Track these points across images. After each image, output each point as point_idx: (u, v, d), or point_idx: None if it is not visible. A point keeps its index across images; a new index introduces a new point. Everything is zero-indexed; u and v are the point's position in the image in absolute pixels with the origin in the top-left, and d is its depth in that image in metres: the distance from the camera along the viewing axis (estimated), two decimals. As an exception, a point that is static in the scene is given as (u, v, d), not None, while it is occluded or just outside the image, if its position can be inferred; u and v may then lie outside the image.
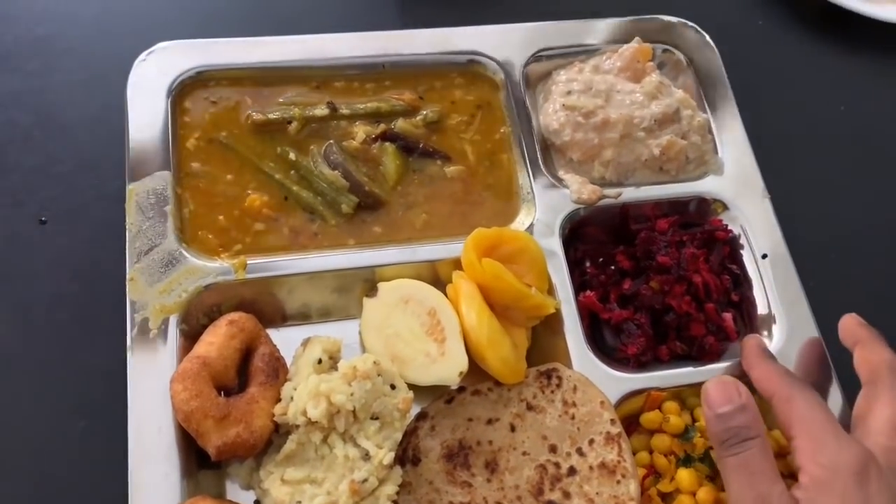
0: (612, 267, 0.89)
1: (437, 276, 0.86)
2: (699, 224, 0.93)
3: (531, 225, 0.89)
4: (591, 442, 0.77)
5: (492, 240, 0.82)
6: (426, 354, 0.79)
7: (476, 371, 0.80)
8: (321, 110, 0.93)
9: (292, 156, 0.90)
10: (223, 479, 0.76)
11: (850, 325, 0.78)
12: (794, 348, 0.85)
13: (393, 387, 0.74)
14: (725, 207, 0.94)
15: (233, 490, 0.76)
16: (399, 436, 0.73)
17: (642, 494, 0.77)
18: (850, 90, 1.12)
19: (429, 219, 0.90)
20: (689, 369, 0.84)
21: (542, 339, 0.85)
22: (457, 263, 0.83)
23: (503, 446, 0.77)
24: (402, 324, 0.82)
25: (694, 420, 0.81)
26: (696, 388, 0.82)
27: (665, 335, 0.86)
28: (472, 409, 0.79)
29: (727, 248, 0.91)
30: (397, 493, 0.73)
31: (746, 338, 0.82)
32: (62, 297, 0.84)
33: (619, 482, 0.74)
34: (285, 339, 0.81)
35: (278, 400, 0.74)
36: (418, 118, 0.96)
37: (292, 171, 0.90)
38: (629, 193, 0.93)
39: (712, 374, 0.82)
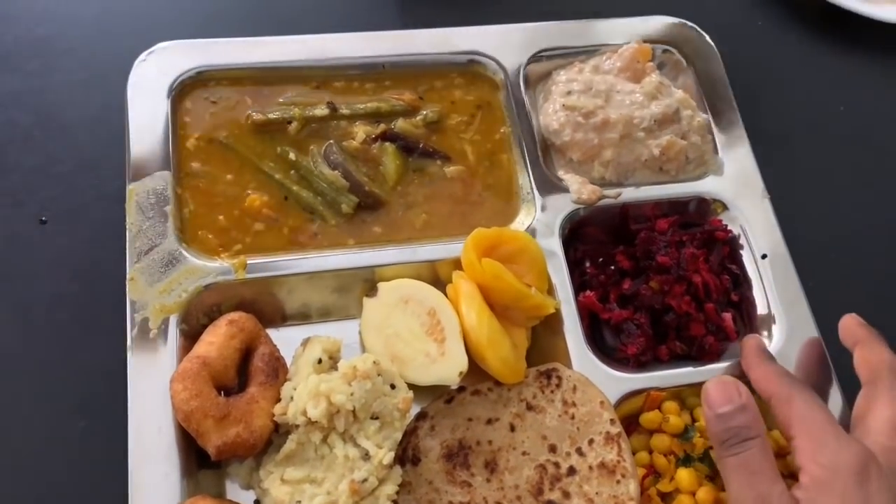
0: (612, 267, 0.89)
1: (436, 276, 0.86)
2: (699, 224, 0.93)
3: (531, 225, 0.89)
4: (591, 442, 0.77)
5: (492, 240, 0.82)
6: (426, 354, 0.79)
7: (476, 371, 0.80)
8: (321, 110, 0.93)
9: (292, 156, 0.90)
10: (223, 479, 0.76)
11: (850, 326, 0.78)
12: (794, 348, 0.85)
13: (393, 387, 0.74)
14: (725, 207, 0.94)
15: (233, 490, 0.76)
16: (399, 435, 0.73)
17: (642, 494, 0.77)
18: (850, 90, 1.13)
19: (429, 219, 0.90)
20: (689, 369, 0.84)
21: (542, 339, 0.85)
22: (457, 263, 0.83)
23: (503, 446, 0.77)
24: (402, 324, 0.82)
25: (693, 420, 0.81)
26: (696, 388, 0.82)
27: (665, 335, 0.86)
28: (471, 409, 0.79)
29: (727, 248, 0.92)
30: (397, 492, 0.73)
31: (746, 338, 0.82)
32: (62, 296, 0.85)
33: (618, 482, 0.75)
34: (285, 339, 0.81)
35: (278, 400, 0.74)
36: (418, 118, 0.96)
37: (292, 171, 0.90)
38: (629, 193, 0.93)
39: (712, 374, 0.82)
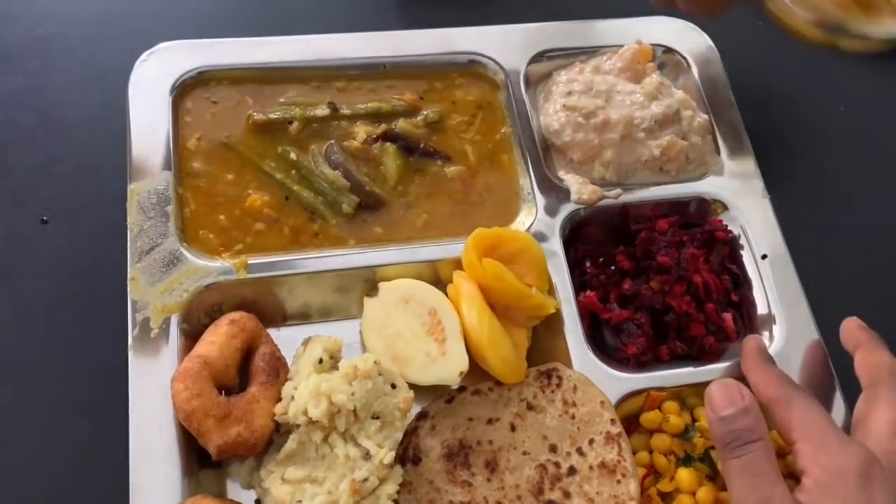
0: (613, 267, 0.89)
1: (437, 276, 0.86)
2: (699, 224, 0.93)
3: (531, 225, 0.89)
4: (591, 441, 0.77)
5: (492, 240, 0.82)
6: (427, 354, 0.80)
7: (476, 371, 0.80)
8: (322, 110, 0.94)
9: (293, 156, 0.90)
10: (224, 479, 0.76)
11: (851, 329, 0.78)
12: (794, 349, 0.85)
13: (394, 386, 0.74)
14: (725, 208, 0.94)
15: (233, 489, 0.76)
16: (400, 435, 0.74)
17: (642, 494, 0.77)
18: (851, 91, 1.13)
19: (429, 219, 0.90)
20: (689, 369, 0.84)
21: (543, 339, 0.85)
22: (457, 263, 0.83)
23: (503, 446, 0.77)
24: (403, 323, 0.82)
25: (694, 420, 0.81)
26: (696, 388, 0.83)
27: (665, 335, 0.86)
28: (472, 409, 0.79)
29: (727, 249, 0.92)
30: (398, 492, 0.73)
31: (746, 339, 0.82)
32: (63, 296, 0.85)
33: (619, 482, 0.75)
34: (286, 339, 0.81)
35: (279, 399, 0.74)
36: (419, 118, 0.96)
37: (293, 171, 0.90)
38: (629, 194, 0.93)
39: (712, 375, 0.83)
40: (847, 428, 0.76)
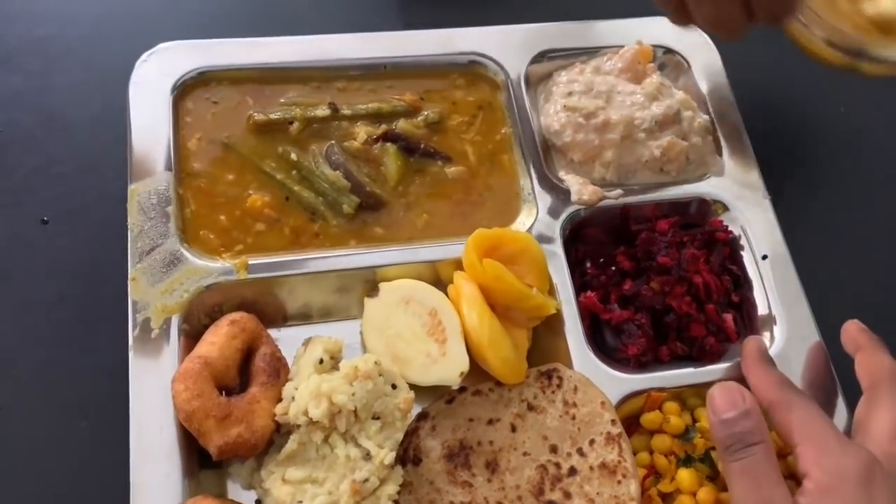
0: (613, 268, 0.89)
1: (438, 276, 0.86)
2: (699, 225, 0.93)
3: (532, 226, 0.89)
4: (592, 442, 0.77)
5: (493, 240, 0.82)
6: (427, 355, 0.80)
7: (477, 371, 0.80)
8: (322, 111, 0.94)
9: (294, 156, 0.91)
10: (224, 479, 0.76)
11: (852, 332, 0.78)
12: (795, 349, 0.85)
13: (394, 387, 0.74)
14: (726, 208, 0.94)
15: (234, 490, 0.76)
16: (400, 436, 0.74)
17: (643, 495, 0.77)
18: (851, 91, 1.12)
19: (430, 219, 0.90)
20: (690, 370, 0.84)
21: (543, 340, 0.85)
22: (458, 264, 0.83)
23: (504, 446, 0.77)
24: (404, 324, 0.82)
25: (694, 421, 0.81)
26: (697, 388, 0.83)
27: (665, 336, 0.86)
28: (472, 410, 0.79)
29: (727, 249, 0.92)
30: (398, 492, 0.73)
31: (746, 340, 0.82)
32: (64, 297, 0.85)
33: (619, 482, 0.75)
34: (287, 340, 0.81)
35: (279, 400, 0.74)
36: (419, 119, 0.96)
37: (294, 172, 0.90)
38: (630, 194, 0.93)
39: (713, 375, 0.83)
40: (848, 430, 0.76)
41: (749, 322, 0.89)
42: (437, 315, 0.81)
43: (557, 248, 0.88)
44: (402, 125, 0.95)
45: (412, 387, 0.76)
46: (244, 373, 0.77)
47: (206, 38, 0.96)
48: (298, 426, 0.72)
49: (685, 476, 0.77)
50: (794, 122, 1.09)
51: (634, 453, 0.78)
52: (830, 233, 1.00)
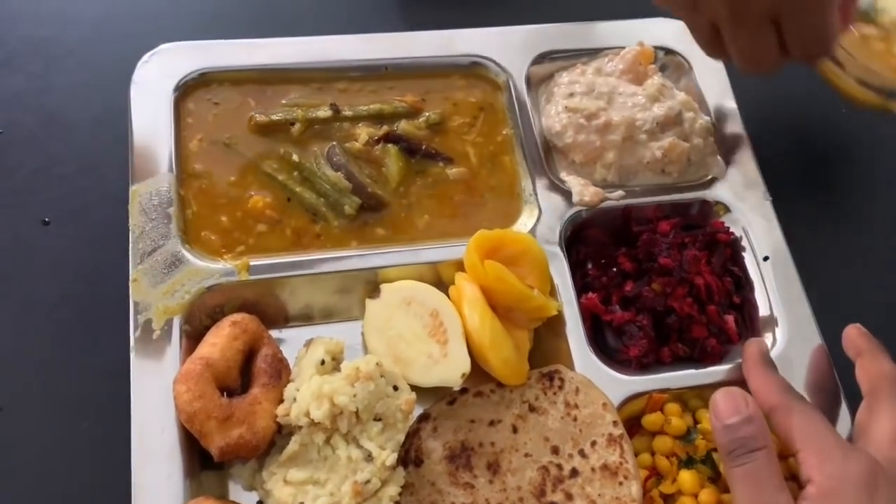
0: (614, 269, 0.89)
1: (439, 277, 0.86)
2: (701, 226, 0.93)
3: (533, 227, 0.89)
4: (594, 443, 0.77)
5: (494, 242, 0.82)
6: (429, 356, 0.80)
7: (478, 372, 0.80)
8: (324, 112, 0.94)
9: (295, 157, 0.90)
10: (226, 480, 0.76)
11: (853, 336, 0.78)
12: (796, 350, 0.85)
13: (396, 388, 0.74)
14: (727, 209, 0.94)
15: (235, 491, 0.76)
16: (402, 437, 0.74)
17: (644, 496, 0.77)
18: (852, 92, 1.13)
19: (431, 220, 0.90)
20: (691, 371, 0.84)
21: (545, 341, 0.85)
22: (459, 265, 0.83)
23: (505, 448, 0.77)
24: (405, 325, 0.82)
25: (696, 422, 0.81)
26: (698, 390, 0.83)
27: (667, 337, 0.86)
28: (474, 411, 0.79)
29: (729, 251, 0.92)
30: (400, 494, 0.73)
31: (748, 343, 0.82)
32: (65, 298, 0.84)
33: (621, 484, 0.75)
34: (288, 341, 0.82)
35: (281, 401, 0.74)
36: (421, 120, 0.96)
37: (295, 173, 0.90)
38: (631, 196, 0.93)
39: (714, 377, 0.83)
40: (850, 432, 0.76)
41: (750, 323, 0.89)
42: (439, 316, 0.81)
43: (558, 250, 0.88)
44: (403, 126, 0.95)
45: (413, 388, 0.76)
46: (246, 374, 0.77)
47: (207, 38, 0.96)
48: (300, 427, 0.72)
49: (687, 477, 0.77)
50: (795, 124, 1.09)
51: (636, 455, 0.78)
52: (832, 234, 1.00)
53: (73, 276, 0.86)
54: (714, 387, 0.75)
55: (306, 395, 0.71)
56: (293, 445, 0.72)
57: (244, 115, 0.93)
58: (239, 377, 0.76)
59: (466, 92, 0.99)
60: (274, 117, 0.92)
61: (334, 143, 0.92)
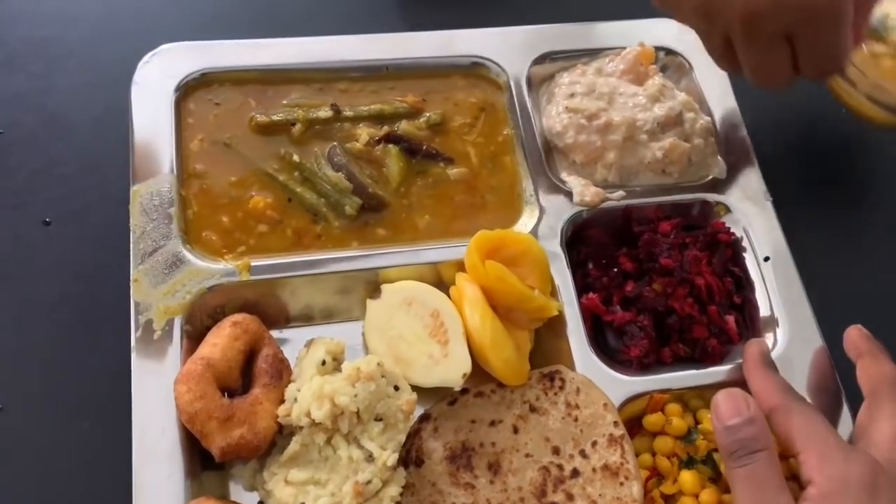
0: (615, 269, 0.89)
1: (440, 277, 0.86)
2: (702, 226, 0.93)
3: (534, 227, 0.89)
4: (594, 444, 0.77)
5: (495, 242, 0.82)
6: (429, 356, 0.80)
7: (479, 373, 0.80)
8: (325, 112, 0.94)
9: (296, 157, 0.91)
10: (227, 480, 0.76)
11: (854, 338, 0.78)
12: (797, 351, 0.85)
13: (396, 388, 0.74)
14: (728, 210, 0.94)
15: (236, 491, 0.76)
16: (403, 437, 0.73)
17: (645, 496, 0.77)
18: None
19: (432, 221, 0.90)
20: (692, 372, 0.84)
21: (545, 342, 0.85)
22: (460, 265, 0.83)
23: (506, 448, 0.77)
24: (406, 325, 0.82)
25: (696, 422, 0.81)
26: (699, 390, 0.83)
27: (668, 337, 0.86)
28: (475, 411, 0.79)
29: (729, 251, 0.92)
30: (401, 494, 0.73)
31: (748, 343, 0.82)
32: (66, 298, 0.84)
33: (622, 484, 0.75)
34: (289, 341, 0.82)
35: (282, 401, 0.74)
36: (421, 120, 0.96)
37: (296, 173, 0.90)
38: (632, 196, 0.93)
39: (715, 377, 0.83)
40: (851, 436, 0.76)
41: (751, 324, 0.89)
42: (440, 316, 0.81)
43: (559, 250, 0.88)
44: (404, 127, 0.95)
45: (414, 388, 0.76)
46: (246, 374, 0.77)
47: (208, 39, 0.96)
48: (301, 427, 0.72)
49: (687, 478, 0.77)
50: (795, 124, 1.09)
51: (637, 455, 0.78)
52: (832, 234, 1.00)
53: (74, 276, 0.86)
54: (715, 387, 0.75)
55: (307, 396, 0.71)
56: (294, 446, 0.72)
57: (245, 115, 0.93)
58: (240, 377, 0.76)
59: (467, 92, 0.99)
60: (275, 118, 0.92)
61: (335, 143, 0.92)
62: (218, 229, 0.86)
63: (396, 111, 0.96)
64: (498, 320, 0.79)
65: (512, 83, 0.99)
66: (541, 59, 1.01)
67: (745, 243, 0.92)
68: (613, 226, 0.93)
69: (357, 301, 0.85)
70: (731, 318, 0.87)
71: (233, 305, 0.82)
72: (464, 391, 0.81)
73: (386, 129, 0.94)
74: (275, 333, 0.81)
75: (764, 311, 0.89)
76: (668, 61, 1.04)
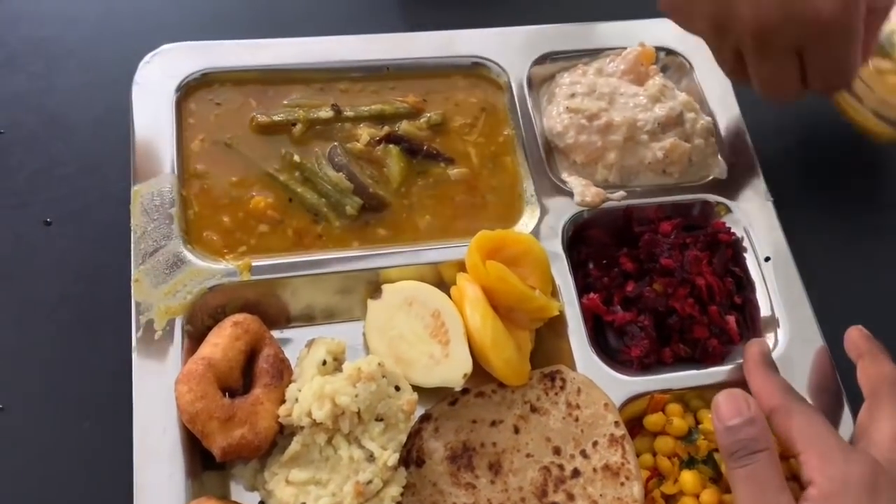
0: (616, 269, 0.89)
1: (441, 278, 0.87)
2: (702, 227, 0.93)
3: (535, 227, 0.89)
4: (595, 444, 0.77)
5: (496, 242, 0.82)
6: (430, 356, 0.80)
7: (480, 373, 0.80)
8: (325, 112, 0.94)
9: (297, 158, 0.91)
10: (227, 480, 0.76)
11: (854, 338, 0.78)
12: (797, 351, 0.85)
13: (397, 388, 0.74)
14: (728, 210, 0.94)
15: (237, 491, 0.76)
16: (403, 437, 0.73)
17: (646, 496, 0.77)
18: (853, 92, 1.13)
19: (433, 221, 0.90)
20: (693, 372, 0.84)
21: (546, 342, 0.85)
22: (461, 265, 0.83)
23: (507, 448, 0.77)
24: (406, 326, 0.82)
25: (697, 422, 0.81)
26: (700, 390, 0.83)
27: (668, 337, 0.86)
28: (475, 411, 0.79)
29: (730, 251, 0.92)
30: (401, 494, 0.73)
31: (749, 344, 0.82)
32: (66, 298, 0.84)
33: (622, 484, 0.75)
34: (290, 341, 0.82)
35: (283, 401, 0.74)
36: (422, 120, 0.96)
37: (297, 173, 0.90)
38: (632, 196, 0.93)
39: (715, 377, 0.83)
40: (852, 436, 0.76)
41: (752, 324, 0.89)
42: (440, 317, 0.81)
43: (560, 250, 0.88)
44: (404, 127, 0.95)
45: (415, 388, 0.76)
46: (247, 374, 0.77)
47: (209, 39, 0.96)
48: (302, 428, 0.72)
49: (688, 478, 0.77)
50: (796, 124, 1.09)
51: (637, 455, 0.78)
52: (833, 234, 1.00)
53: (75, 276, 0.86)
54: (715, 387, 0.75)
55: (308, 396, 0.71)
56: (295, 446, 0.72)
57: (246, 115, 0.93)
58: (241, 377, 0.76)
59: (468, 92, 0.99)
60: (275, 118, 0.92)
61: (336, 143, 0.92)
62: (219, 229, 0.86)
63: (397, 111, 0.96)
64: (499, 320, 0.79)
65: (513, 83, 0.99)
66: (541, 60, 1.01)
67: (745, 243, 0.92)
68: (614, 226, 0.93)
69: (358, 301, 0.86)
70: (731, 319, 0.87)
71: (234, 305, 0.82)
72: (465, 391, 0.81)
73: (387, 129, 0.94)
74: (276, 333, 0.81)
75: (764, 312, 0.89)
76: (669, 61, 1.04)
